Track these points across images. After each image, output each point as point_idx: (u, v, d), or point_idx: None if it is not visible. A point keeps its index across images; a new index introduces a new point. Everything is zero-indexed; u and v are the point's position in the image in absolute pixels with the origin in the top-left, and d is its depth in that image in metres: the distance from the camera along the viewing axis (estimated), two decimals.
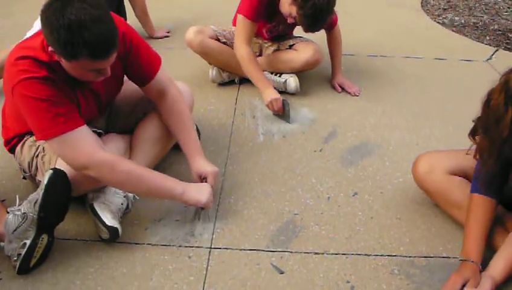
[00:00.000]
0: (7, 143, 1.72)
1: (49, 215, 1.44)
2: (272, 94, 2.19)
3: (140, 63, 1.63)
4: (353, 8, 3.50)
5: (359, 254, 1.58)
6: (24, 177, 1.76)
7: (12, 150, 1.72)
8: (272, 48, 2.46)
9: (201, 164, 1.69)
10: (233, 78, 2.48)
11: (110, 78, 1.55)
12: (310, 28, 2.14)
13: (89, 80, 1.47)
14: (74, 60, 1.37)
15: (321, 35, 2.43)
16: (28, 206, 1.43)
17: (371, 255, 1.58)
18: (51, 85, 1.42)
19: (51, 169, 1.44)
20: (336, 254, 1.58)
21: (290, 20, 2.18)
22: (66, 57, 1.37)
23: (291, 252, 1.58)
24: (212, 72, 2.45)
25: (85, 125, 1.49)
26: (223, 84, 2.48)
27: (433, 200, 1.73)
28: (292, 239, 1.63)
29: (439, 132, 2.19)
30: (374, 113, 2.32)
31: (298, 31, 2.41)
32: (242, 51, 2.22)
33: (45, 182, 1.41)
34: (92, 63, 1.38)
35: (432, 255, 1.57)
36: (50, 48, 1.38)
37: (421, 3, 3.84)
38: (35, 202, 1.41)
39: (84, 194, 1.64)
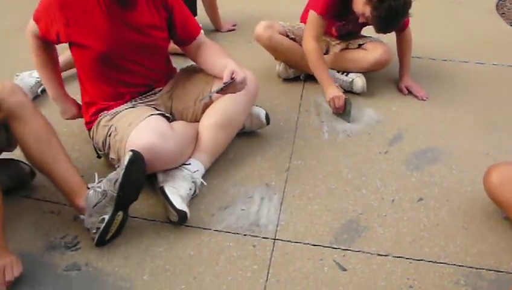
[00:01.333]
0: (88, 123, 1.84)
1: (126, 194, 1.52)
2: (334, 92, 2.20)
3: (186, 21, 1.81)
4: (424, 8, 3.39)
5: (423, 260, 1.56)
6: (99, 156, 1.87)
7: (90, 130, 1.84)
8: (340, 47, 2.45)
9: (233, 65, 1.70)
10: (299, 75, 2.50)
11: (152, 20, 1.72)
12: (383, 29, 2.11)
13: None
14: None
15: (390, 35, 2.39)
16: (108, 184, 1.52)
17: (435, 262, 1.55)
18: None
19: (131, 151, 1.52)
20: (400, 257, 1.57)
21: (361, 20, 2.17)
22: None
23: (354, 251, 1.59)
24: (279, 67, 2.47)
25: None
26: (288, 79, 2.50)
27: (504, 213, 1.68)
28: (355, 238, 1.64)
29: (510, 143, 2.11)
30: (442, 119, 2.26)
31: (366, 30, 2.40)
32: (310, 46, 2.24)
33: (125, 163, 1.49)
34: None
35: (501, 270, 1.53)
36: None
37: (496, 6, 3.68)
38: (115, 181, 1.50)
39: (154, 177, 1.73)
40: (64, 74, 2.50)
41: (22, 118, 1.58)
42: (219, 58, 1.81)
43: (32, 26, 1.72)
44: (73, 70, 2.48)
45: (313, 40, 2.24)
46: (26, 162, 1.77)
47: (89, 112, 1.81)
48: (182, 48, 1.89)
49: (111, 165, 1.83)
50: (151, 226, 1.66)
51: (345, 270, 1.52)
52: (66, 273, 1.51)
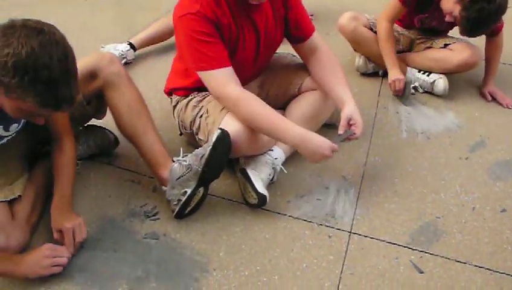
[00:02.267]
0: (170, 93, 1.87)
1: (210, 170, 1.54)
2: (397, 74, 2.22)
3: (301, 19, 1.74)
4: None
5: (506, 274, 1.50)
6: (181, 134, 1.90)
7: (170, 94, 1.87)
8: (424, 45, 2.37)
9: (354, 109, 1.68)
10: (378, 70, 2.45)
11: (272, 19, 1.66)
12: (469, 32, 2.03)
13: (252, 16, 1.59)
14: None
15: (479, 38, 2.29)
16: (194, 159, 1.55)
17: None
18: (205, 21, 1.52)
19: (219, 129, 1.54)
20: (480, 267, 1.51)
21: (448, 18, 2.09)
22: None
23: (431, 254, 1.54)
24: (359, 60, 2.43)
25: (229, 67, 1.57)
26: (366, 74, 2.46)
27: None
28: (433, 241, 1.59)
29: None
30: None
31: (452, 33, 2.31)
32: (382, 26, 2.26)
33: (213, 140, 1.51)
34: None
35: None
36: None
37: None
38: (202, 157, 1.52)
39: (232, 158, 1.74)
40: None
41: (118, 87, 1.63)
42: (335, 83, 1.73)
43: None
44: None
45: (387, 21, 2.25)
46: (111, 131, 1.85)
47: (183, 82, 1.79)
48: (294, 46, 1.83)
49: (190, 143, 1.87)
50: (228, 205, 1.69)
51: (421, 272, 1.49)
52: (145, 240, 1.56)
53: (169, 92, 1.88)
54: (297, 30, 1.75)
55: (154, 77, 2.37)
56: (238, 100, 1.57)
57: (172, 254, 1.52)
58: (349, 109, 1.68)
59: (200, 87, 1.70)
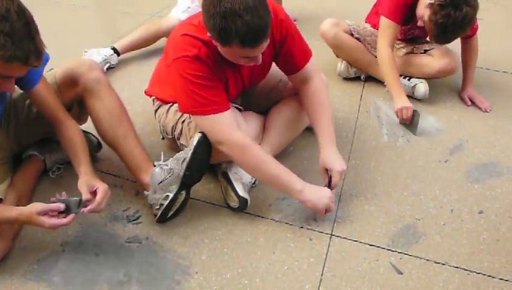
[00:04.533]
0: (150, 95, 1.87)
1: (192, 174, 1.55)
2: (404, 102, 2.13)
3: (292, 54, 1.67)
4: (494, 17, 3.30)
5: (483, 274, 1.53)
6: (163, 138, 1.91)
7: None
8: (404, 50, 2.42)
9: (331, 157, 1.67)
10: (360, 75, 2.48)
11: (259, 66, 1.62)
12: (437, 37, 2.06)
13: (242, 64, 1.54)
14: (227, 46, 1.43)
15: (456, 44, 2.34)
16: (175, 163, 1.56)
17: (495, 277, 1.51)
18: (203, 65, 1.50)
19: (200, 132, 1.55)
20: (457, 268, 1.54)
21: (420, 23, 2.13)
22: (220, 42, 1.43)
23: (410, 255, 1.57)
24: (341, 66, 2.46)
25: (229, 110, 1.55)
26: (348, 79, 2.49)
27: None
28: (412, 243, 1.62)
29: None
30: (506, 133, 2.19)
31: None
32: (384, 53, 2.20)
33: (194, 143, 1.53)
34: (243, 50, 1.42)
35: None
36: (208, 34, 1.45)
37: None
38: (183, 160, 1.54)
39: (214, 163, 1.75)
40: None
41: (98, 93, 1.64)
42: (318, 123, 1.71)
43: None
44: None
45: (387, 46, 2.20)
46: (94, 135, 1.85)
47: (168, 95, 1.76)
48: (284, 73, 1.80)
49: (172, 148, 1.88)
50: (210, 209, 1.70)
51: (401, 273, 1.51)
52: (127, 244, 1.56)
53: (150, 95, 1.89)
54: (287, 65, 1.72)
55: (137, 81, 2.37)
56: (245, 148, 1.53)
57: (154, 257, 1.52)
58: (325, 160, 1.67)
59: None
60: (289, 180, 1.57)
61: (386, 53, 2.19)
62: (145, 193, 1.62)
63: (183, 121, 1.71)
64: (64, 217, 1.38)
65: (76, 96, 1.67)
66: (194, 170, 1.55)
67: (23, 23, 1.19)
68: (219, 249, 1.55)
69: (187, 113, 1.58)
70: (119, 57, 2.53)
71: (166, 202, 1.57)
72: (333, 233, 1.63)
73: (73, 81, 1.64)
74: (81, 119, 1.78)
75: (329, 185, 1.66)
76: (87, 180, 1.48)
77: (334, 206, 1.64)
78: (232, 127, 1.53)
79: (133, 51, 2.61)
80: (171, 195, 1.56)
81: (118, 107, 1.66)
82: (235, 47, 1.42)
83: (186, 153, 1.54)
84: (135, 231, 1.60)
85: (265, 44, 1.45)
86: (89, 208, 1.41)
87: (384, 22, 2.20)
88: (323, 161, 1.68)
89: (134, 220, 1.64)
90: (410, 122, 2.15)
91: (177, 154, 1.58)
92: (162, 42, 2.66)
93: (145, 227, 1.61)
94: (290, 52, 1.67)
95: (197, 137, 1.53)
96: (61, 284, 1.43)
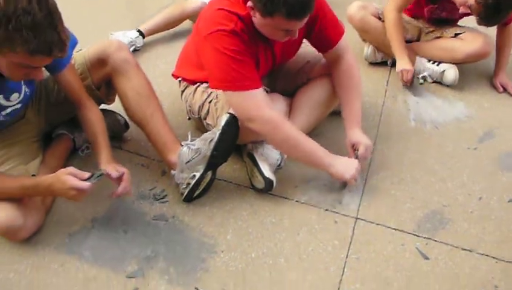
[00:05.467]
0: (177, 76, 1.87)
1: (219, 154, 1.56)
2: (405, 64, 2.20)
3: (325, 30, 1.67)
4: None
5: (511, 262, 1.50)
6: (189, 118, 1.92)
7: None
8: (433, 35, 2.36)
9: (356, 133, 1.72)
10: (386, 60, 2.44)
11: (291, 42, 1.61)
12: (488, 20, 1.99)
13: (277, 39, 1.54)
14: (269, 17, 1.43)
15: (488, 29, 2.27)
16: (203, 143, 1.57)
17: None
18: (239, 40, 1.50)
19: (228, 113, 1.55)
20: (486, 255, 1.52)
21: (463, 10, 2.06)
22: (262, 13, 1.44)
23: (437, 241, 1.56)
24: (367, 50, 2.42)
25: (261, 88, 1.56)
26: (374, 63, 2.45)
27: None
28: (438, 229, 1.60)
29: None
30: None
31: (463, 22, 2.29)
32: (391, 15, 2.22)
33: (222, 124, 1.53)
34: (286, 22, 1.43)
35: None
36: (249, 3, 1.46)
37: None
38: (211, 141, 1.54)
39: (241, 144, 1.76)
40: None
41: (126, 73, 1.66)
42: (346, 102, 1.75)
43: None
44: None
45: (395, 10, 2.22)
46: (122, 115, 1.87)
47: (196, 75, 1.76)
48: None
49: (198, 128, 1.89)
50: (236, 190, 1.71)
51: (427, 258, 1.50)
52: (154, 222, 1.59)
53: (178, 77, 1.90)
54: (321, 42, 1.72)
55: (162, 63, 2.38)
56: (277, 124, 1.54)
57: (180, 235, 1.54)
58: (351, 137, 1.71)
59: None
60: (319, 155, 1.60)
61: (393, 15, 2.21)
62: (172, 172, 1.64)
63: (210, 101, 1.72)
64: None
65: (105, 76, 1.69)
66: (221, 150, 1.55)
67: (45, 14, 1.18)
68: (244, 229, 1.57)
69: (219, 88, 1.58)
70: (144, 40, 2.54)
71: (193, 182, 1.58)
72: (358, 216, 1.62)
73: (103, 61, 1.66)
74: (108, 99, 1.80)
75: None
76: (110, 164, 1.51)
77: (359, 177, 1.66)
78: (264, 104, 1.54)
79: (158, 34, 2.61)
80: (197, 175, 1.57)
81: (146, 87, 1.68)
82: (278, 18, 1.42)
83: (214, 133, 1.54)
84: (162, 209, 1.63)
85: (307, 18, 1.45)
86: (120, 190, 1.46)
87: None
88: (350, 137, 1.71)
89: (160, 199, 1.66)
90: (410, 84, 2.23)
91: (205, 134, 1.59)
92: (186, 24, 2.66)
93: (171, 206, 1.64)
94: (324, 28, 1.66)
95: (225, 117, 1.54)
96: (90, 258, 1.47)
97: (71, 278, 1.43)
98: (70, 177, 1.39)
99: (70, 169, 1.42)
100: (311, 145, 1.60)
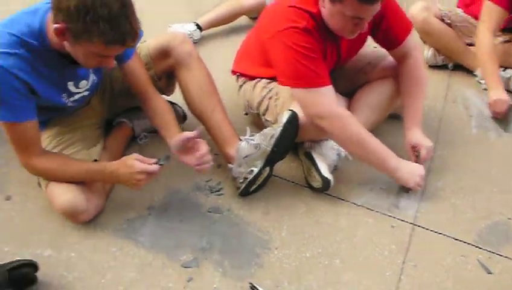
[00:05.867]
0: (236, 72, 1.88)
1: (279, 151, 1.56)
2: (500, 94, 2.01)
3: (392, 27, 1.64)
4: None
5: None
6: (246, 113, 1.92)
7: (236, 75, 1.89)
8: (501, 39, 2.26)
9: (417, 134, 1.68)
10: (447, 63, 2.36)
11: (356, 39, 1.59)
12: None
13: (345, 33, 1.52)
14: (339, 3, 1.42)
15: None
16: (263, 138, 1.57)
17: None
18: (311, 37, 1.50)
19: (290, 110, 1.55)
20: None
21: None
22: None
23: (501, 255, 1.49)
24: (428, 52, 2.35)
25: (331, 85, 1.55)
26: (434, 66, 2.38)
27: None
28: (503, 243, 1.53)
29: None
30: None
31: None
32: (485, 39, 2.05)
33: (284, 120, 1.53)
34: (358, 7, 1.40)
35: None
36: None
37: None
38: (271, 137, 1.54)
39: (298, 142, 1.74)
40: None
41: (189, 66, 1.68)
42: (409, 103, 1.72)
43: None
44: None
45: (489, 32, 2.05)
46: (180, 106, 1.90)
47: (260, 71, 1.77)
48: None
49: (254, 124, 1.89)
50: (291, 187, 1.70)
51: (490, 273, 1.44)
52: (209, 214, 1.60)
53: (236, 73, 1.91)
54: (387, 40, 1.69)
55: (219, 58, 2.38)
56: (347, 120, 1.54)
57: (235, 229, 1.55)
58: (411, 138, 1.68)
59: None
60: (385, 156, 1.59)
61: (487, 39, 2.05)
62: (229, 165, 1.65)
63: (270, 97, 1.72)
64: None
65: (168, 68, 1.72)
66: (281, 147, 1.55)
67: (120, 5, 1.22)
68: (299, 227, 1.56)
69: (289, 85, 1.57)
70: (201, 33, 2.57)
71: (250, 176, 1.58)
72: (416, 223, 1.58)
73: (166, 53, 1.68)
74: (168, 90, 1.83)
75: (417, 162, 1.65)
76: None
77: (423, 183, 1.63)
78: (334, 101, 1.54)
79: (215, 28, 2.64)
80: (256, 170, 1.57)
81: (208, 81, 1.69)
82: (349, 2, 1.40)
83: (275, 130, 1.54)
84: (217, 201, 1.64)
85: (378, 6, 1.42)
86: (199, 167, 1.48)
87: (488, 5, 2.05)
88: (410, 138, 1.68)
89: (216, 191, 1.67)
90: (503, 118, 2.02)
91: (265, 130, 1.59)
92: (243, 20, 2.67)
93: (226, 199, 1.65)
94: (390, 25, 1.63)
95: (287, 114, 1.53)
96: (147, 244, 1.50)
97: (128, 263, 1.46)
98: (137, 161, 1.42)
99: (135, 155, 1.46)
100: (378, 146, 1.58)
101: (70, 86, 1.50)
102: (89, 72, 1.54)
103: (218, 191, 1.68)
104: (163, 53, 1.69)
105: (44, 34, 1.33)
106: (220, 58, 2.38)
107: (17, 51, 1.32)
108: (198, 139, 1.49)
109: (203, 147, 1.49)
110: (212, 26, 2.62)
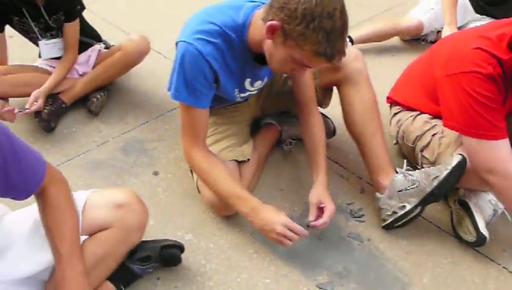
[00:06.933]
0: (393, 100, 1.81)
1: (438, 194, 1.47)
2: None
3: None
4: None
5: None
6: (396, 143, 1.83)
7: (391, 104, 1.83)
8: None
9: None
10: None
11: None
12: None
13: None
14: None
15: None
16: (424, 177, 1.49)
17: None
18: (495, 86, 1.38)
19: (460, 155, 1.45)
20: None
21: None
22: None
23: None
24: None
25: (507, 138, 1.42)
26: None
27: None
28: None
29: None
30: None
31: None
32: None
33: (453, 164, 1.43)
34: None
35: None
36: None
37: None
38: (435, 178, 1.46)
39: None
40: None
41: (357, 84, 1.64)
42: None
43: None
44: None
45: None
46: (332, 120, 1.87)
47: (419, 101, 1.70)
48: None
49: (401, 154, 1.81)
50: (436, 232, 1.61)
51: None
52: (348, 239, 1.56)
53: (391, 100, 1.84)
54: None
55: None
56: None
57: (374, 261, 1.50)
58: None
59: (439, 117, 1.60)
60: None
61: None
62: (378, 195, 1.60)
63: (434, 134, 1.63)
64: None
65: (333, 82, 1.69)
66: (442, 190, 1.46)
67: (342, 22, 1.21)
68: (443, 277, 1.47)
69: (458, 131, 1.48)
70: (352, 46, 2.53)
71: (401, 212, 1.52)
72: None
73: (336, 67, 1.64)
74: (324, 103, 1.81)
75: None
76: (319, 194, 1.49)
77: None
78: (509, 158, 1.41)
79: (366, 43, 2.59)
80: (408, 207, 1.51)
81: (372, 102, 1.64)
82: None
83: (440, 171, 1.45)
84: (357, 228, 1.60)
85: None
86: (314, 223, 1.45)
87: None
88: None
89: (357, 217, 1.63)
90: None
91: (428, 169, 1.51)
92: (394, 40, 2.60)
93: (367, 227, 1.60)
94: None
95: (457, 159, 1.44)
96: (284, 255, 1.49)
97: (264, 269, 1.47)
98: (287, 231, 1.38)
99: (286, 221, 1.39)
100: None
101: (247, 84, 1.53)
102: (267, 74, 1.56)
103: (360, 217, 1.63)
104: (334, 67, 1.66)
105: (246, 29, 1.36)
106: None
107: (216, 40, 1.36)
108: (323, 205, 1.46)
109: (326, 216, 1.45)
110: (363, 42, 2.56)
